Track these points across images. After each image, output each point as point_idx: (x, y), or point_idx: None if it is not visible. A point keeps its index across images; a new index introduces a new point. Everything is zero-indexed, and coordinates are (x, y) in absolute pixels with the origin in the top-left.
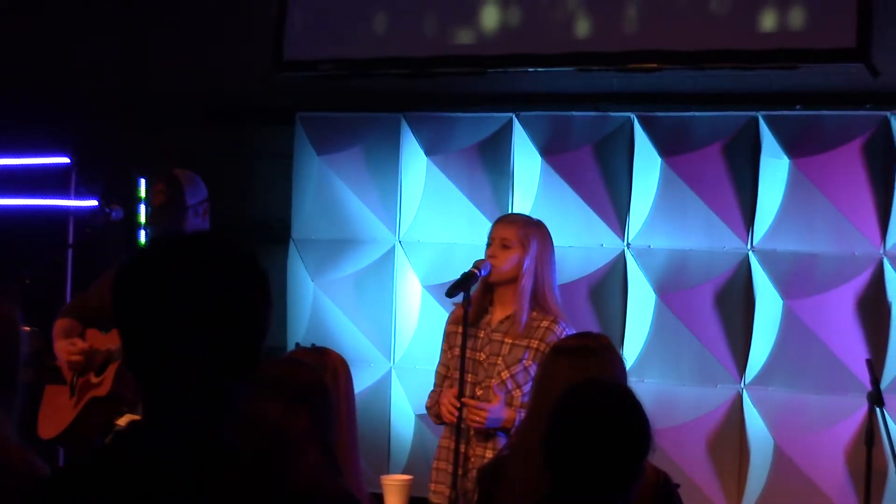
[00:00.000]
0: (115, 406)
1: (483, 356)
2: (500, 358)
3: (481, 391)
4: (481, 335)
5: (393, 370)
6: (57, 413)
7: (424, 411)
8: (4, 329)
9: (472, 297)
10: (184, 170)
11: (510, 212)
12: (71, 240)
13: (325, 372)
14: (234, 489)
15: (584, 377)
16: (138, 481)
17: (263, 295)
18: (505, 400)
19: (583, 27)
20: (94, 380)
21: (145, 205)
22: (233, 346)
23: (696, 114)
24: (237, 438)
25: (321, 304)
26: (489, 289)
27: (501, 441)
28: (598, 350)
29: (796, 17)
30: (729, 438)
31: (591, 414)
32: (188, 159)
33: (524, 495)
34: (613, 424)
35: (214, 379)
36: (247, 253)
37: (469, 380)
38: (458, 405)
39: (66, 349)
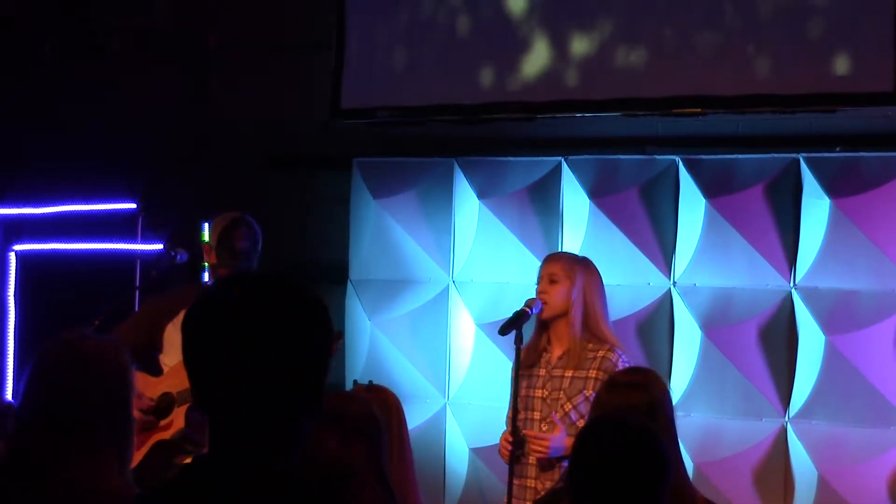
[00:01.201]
0: (181, 448)
1: (546, 392)
2: (562, 392)
3: (546, 426)
4: (542, 373)
5: (447, 406)
6: None
7: (479, 446)
8: (114, 365)
9: (530, 338)
10: (231, 214)
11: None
12: (137, 282)
13: (378, 407)
14: None
15: (624, 412)
16: None
17: (327, 333)
18: (567, 430)
19: (629, 74)
20: (161, 423)
21: (223, 247)
22: (299, 384)
23: (739, 156)
24: (302, 473)
25: (378, 343)
26: (544, 327)
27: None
28: (646, 385)
29: (840, 64)
30: (774, 471)
31: (601, 448)
32: (250, 204)
33: None
34: (623, 458)
35: (281, 415)
36: (311, 292)
37: (536, 417)
38: (511, 440)
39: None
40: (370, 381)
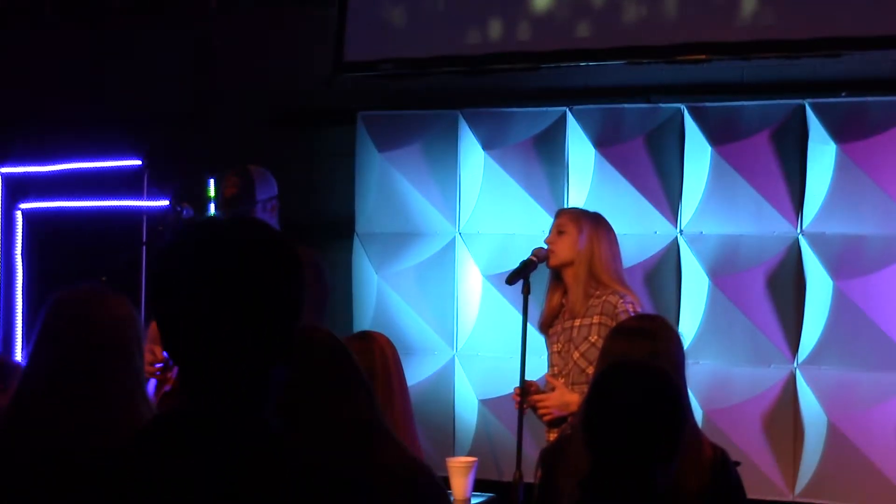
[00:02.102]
0: None
1: (559, 346)
2: (571, 342)
3: (548, 377)
4: (558, 329)
5: (456, 358)
6: None
7: (487, 397)
8: (129, 318)
9: (546, 298)
10: (258, 166)
11: (566, 202)
12: (144, 238)
13: (373, 355)
14: (273, 472)
15: (634, 358)
16: (176, 464)
17: (296, 277)
18: (581, 381)
19: (632, 21)
20: (169, 375)
21: (217, 195)
22: (267, 330)
23: (745, 103)
24: (278, 421)
25: (385, 296)
26: (559, 281)
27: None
28: (655, 331)
29: (843, 8)
30: (783, 417)
31: (620, 395)
32: (254, 160)
33: (580, 473)
34: (642, 405)
35: (250, 362)
36: (277, 236)
37: (555, 372)
38: (520, 393)
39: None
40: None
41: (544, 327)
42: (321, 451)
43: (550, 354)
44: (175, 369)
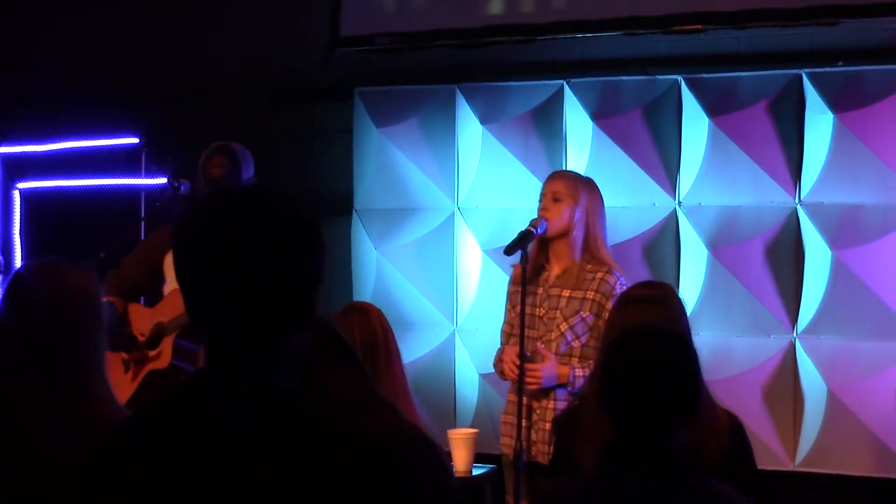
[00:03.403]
0: (175, 377)
1: (542, 311)
2: (559, 311)
3: (543, 345)
4: (540, 291)
5: (456, 332)
6: (116, 388)
7: (488, 371)
8: (86, 292)
9: (528, 255)
10: (238, 143)
11: None
12: (143, 215)
13: (374, 327)
14: (293, 434)
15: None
16: (201, 428)
17: (315, 245)
18: (564, 352)
19: None
20: (151, 353)
21: (202, 176)
22: (288, 296)
23: (742, 74)
24: (299, 386)
25: (385, 271)
26: (545, 246)
27: (560, 393)
28: (662, 299)
29: None
30: (783, 387)
31: (638, 359)
32: (252, 137)
33: (600, 440)
34: (660, 367)
35: (271, 328)
36: (296, 205)
37: (532, 335)
38: (519, 363)
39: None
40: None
41: (517, 281)
42: (342, 415)
43: (522, 314)
44: (159, 348)
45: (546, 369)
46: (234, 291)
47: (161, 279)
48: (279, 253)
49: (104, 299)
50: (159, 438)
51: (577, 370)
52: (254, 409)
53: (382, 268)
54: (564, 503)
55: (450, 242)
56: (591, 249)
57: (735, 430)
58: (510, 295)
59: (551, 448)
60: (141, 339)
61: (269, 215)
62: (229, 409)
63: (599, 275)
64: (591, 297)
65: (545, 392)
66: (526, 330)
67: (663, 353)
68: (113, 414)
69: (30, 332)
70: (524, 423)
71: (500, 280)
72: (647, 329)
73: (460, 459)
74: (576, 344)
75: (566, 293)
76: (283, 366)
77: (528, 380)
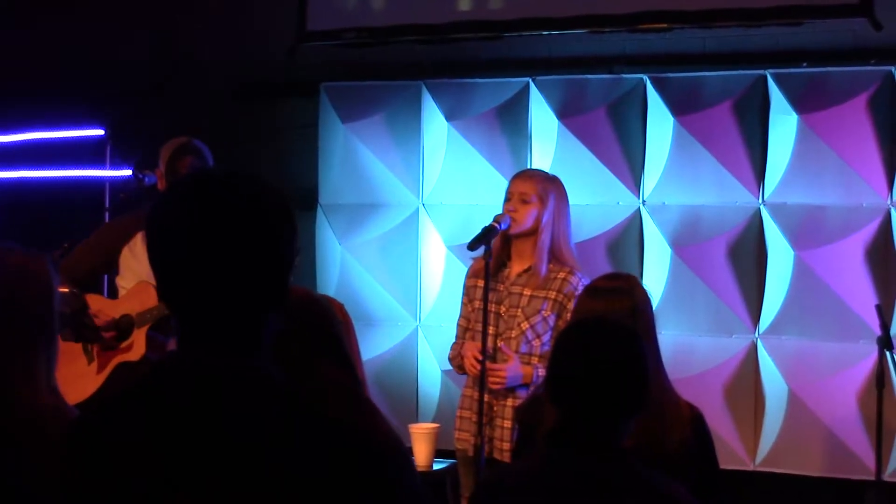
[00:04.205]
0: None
1: (503, 309)
2: (520, 309)
3: (502, 342)
4: (500, 288)
5: (419, 328)
6: (78, 379)
7: (450, 368)
8: (38, 278)
9: (491, 250)
10: (199, 141)
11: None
12: (107, 205)
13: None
14: (267, 416)
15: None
16: (173, 411)
17: (290, 227)
18: (525, 352)
19: None
20: (122, 345)
21: (170, 174)
22: (261, 278)
23: (707, 73)
24: (272, 368)
25: (349, 267)
26: (507, 243)
27: (521, 392)
28: (628, 290)
29: None
30: (744, 386)
31: (583, 349)
32: (217, 131)
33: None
34: (605, 359)
35: (245, 310)
36: (269, 186)
37: (491, 332)
38: (481, 358)
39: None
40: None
41: (476, 275)
42: (319, 400)
43: (485, 310)
44: (130, 340)
45: (510, 369)
46: (208, 273)
47: (115, 270)
48: (253, 234)
49: (63, 290)
50: (130, 422)
51: (539, 370)
52: (229, 391)
53: (346, 263)
54: (504, 488)
55: (414, 238)
56: (555, 251)
57: (697, 421)
58: (467, 289)
59: (511, 444)
60: (108, 319)
61: (243, 197)
62: (204, 391)
63: (562, 275)
64: (553, 296)
65: (506, 390)
66: (482, 325)
67: (608, 347)
68: (36, 408)
69: None
70: (484, 419)
71: (464, 276)
72: (594, 322)
73: (421, 454)
74: (535, 343)
75: (528, 292)
76: (259, 349)
77: (491, 380)
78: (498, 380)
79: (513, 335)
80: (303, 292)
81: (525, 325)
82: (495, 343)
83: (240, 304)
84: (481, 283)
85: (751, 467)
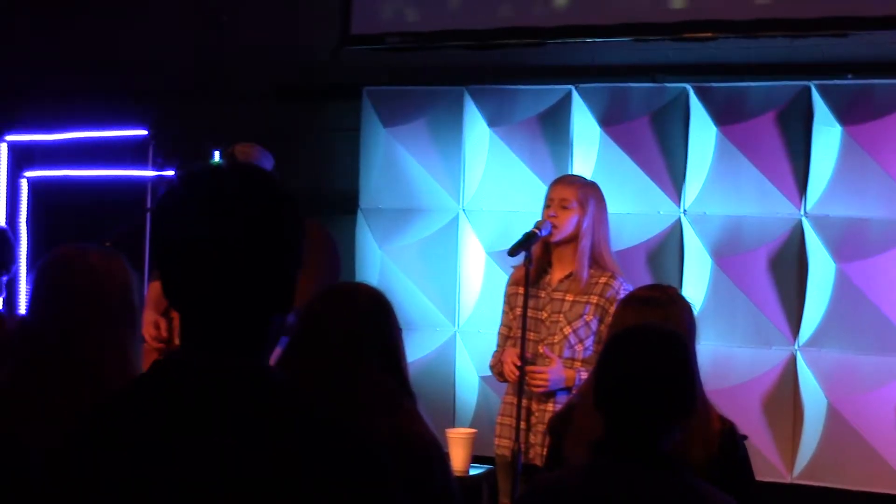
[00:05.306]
0: None
1: (545, 314)
2: (562, 315)
3: (544, 348)
4: (542, 295)
5: (457, 334)
6: None
7: (488, 373)
8: (118, 273)
9: (532, 257)
10: (247, 147)
11: None
12: (148, 205)
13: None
14: (265, 418)
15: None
16: (174, 410)
17: (297, 228)
18: (567, 356)
19: None
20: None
21: None
22: (267, 279)
23: (750, 84)
24: (274, 369)
25: (388, 271)
26: (548, 249)
27: (562, 396)
28: (666, 301)
29: None
30: (783, 398)
31: (631, 357)
32: (260, 133)
33: (589, 438)
34: (654, 367)
35: (251, 310)
36: (278, 185)
37: (532, 338)
38: (520, 364)
39: (149, 332)
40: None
41: (517, 282)
42: (336, 404)
43: (524, 316)
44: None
45: (553, 371)
46: (212, 273)
47: None
48: (260, 234)
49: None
50: (129, 422)
51: (582, 373)
52: (227, 391)
53: (386, 267)
54: (550, 496)
55: (454, 244)
56: (596, 256)
57: (728, 437)
58: (508, 297)
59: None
60: (164, 334)
61: (252, 193)
62: (201, 391)
63: (603, 279)
64: (595, 301)
65: (545, 395)
66: (526, 332)
67: (658, 353)
68: None
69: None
70: (522, 425)
71: (503, 283)
72: (643, 329)
73: (458, 459)
74: (578, 347)
75: (570, 297)
76: (264, 351)
77: (534, 382)
78: (540, 382)
79: (555, 340)
80: (373, 292)
81: (567, 330)
82: (537, 349)
83: (244, 306)
84: (522, 290)
85: (788, 480)
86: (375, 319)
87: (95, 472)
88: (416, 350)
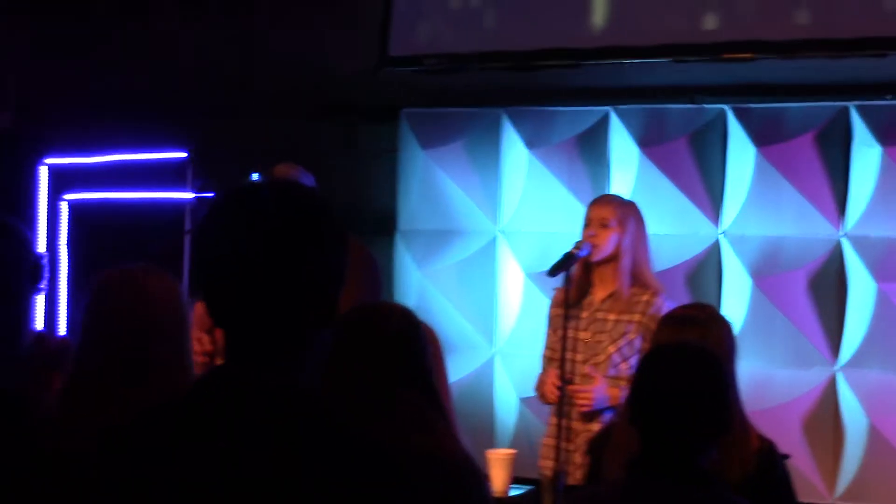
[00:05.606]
0: None
1: (588, 335)
2: (606, 334)
3: (588, 368)
4: (584, 315)
5: (496, 355)
6: None
7: (528, 394)
8: (173, 292)
9: (572, 277)
10: (287, 167)
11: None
12: (188, 227)
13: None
14: (310, 435)
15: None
16: (212, 427)
17: (341, 243)
18: (612, 375)
19: (677, 19)
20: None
21: None
22: (309, 295)
23: (789, 105)
24: (319, 385)
25: (427, 293)
26: (588, 269)
27: (607, 416)
28: (704, 320)
29: (890, 5)
30: (824, 420)
31: (665, 374)
32: (298, 154)
33: (626, 457)
34: (686, 383)
35: (293, 326)
36: (321, 200)
37: (578, 359)
38: (560, 384)
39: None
40: None
41: (560, 304)
42: (369, 422)
43: (564, 337)
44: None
45: (597, 390)
46: (255, 288)
47: None
48: (303, 249)
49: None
50: (163, 433)
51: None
52: (272, 408)
53: (424, 289)
54: None
55: (492, 265)
56: (637, 274)
57: (766, 456)
58: (551, 318)
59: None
60: (210, 347)
61: (295, 209)
62: (245, 408)
63: (645, 297)
64: (638, 319)
65: (590, 415)
66: (569, 353)
67: (690, 370)
68: None
69: (128, 334)
70: (569, 446)
71: (542, 304)
72: (677, 346)
73: (498, 479)
74: (623, 366)
75: (613, 316)
76: (305, 367)
77: (579, 401)
78: (584, 401)
79: (600, 360)
80: (404, 311)
81: (612, 349)
82: (582, 369)
83: (286, 321)
84: (569, 310)
85: (829, 501)
86: (406, 339)
87: (133, 481)
88: (455, 372)
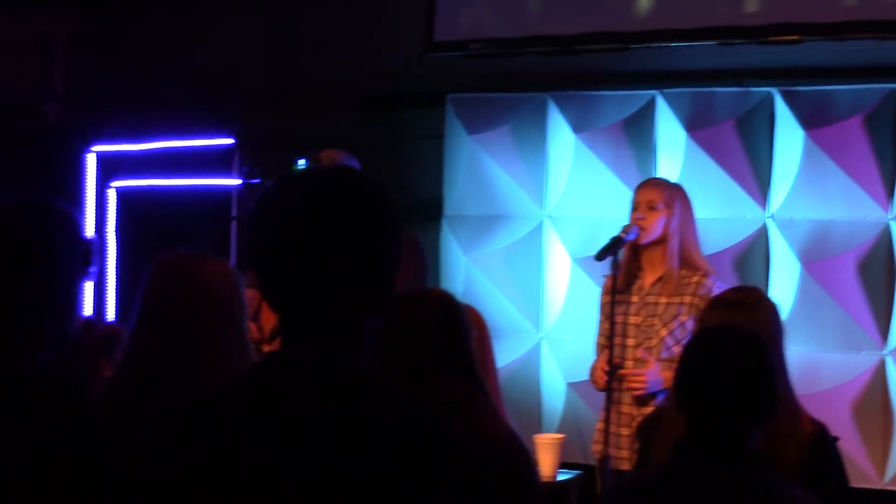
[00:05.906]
0: None
1: (640, 319)
2: (657, 318)
3: (642, 351)
4: (635, 300)
5: (543, 340)
6: None
7: (574, 380)
8: (225, 274)
9: (620, 263)
10: (333, 153)
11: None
12: (234, 214)
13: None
14: (368, 416)
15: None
16: (273, 409)
17: (396, 229)
18: (666, 357)
19: (723, 1)
20: (266, 348)
21: None
22: (365, 279)
23: (837, 87)
24: (374, 369)
25: (473, 278)
26: (637, 253)
27: (660, 399)
28: (751, 304)
29: None
30: (873, 403)
31: (710, 357)
32: (344, 141)
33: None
34: (732, 364)
35: (348, 311)
36: (376, 185)
37: (630, 343)
38: (608, 369)
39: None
40: None
41: (610, 291)
42: (422, 405)
43: (622, 325)
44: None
45: (650, 373)
46: (312, 271)
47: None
48: (359, 234)
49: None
50: (229, 419)
51: None
52: (328, 392)
53: (471, 274)
54: (632, 492)
55: (538, 250)
56: (685, 256)
57: (819, 439)
58: (602, 306)
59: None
60: (257, 335)
61: (351, 196)
62: (306, 391)
63: (695, 279)
64: (689, 301)
65: (644, 399)
66: (621, 338)
67: (735, 352)
68: None
69: (183, 318)
70: (624, 430)
71: (589, 289)
72: (722, 329)
73: (546, 464)
74: (676, 349)
75: (664, 300)
76: (360, 350)
77: (633, 385)
78: (638, 384)
79: (653, 344)
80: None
81: (664, 333)
82: (635, 353)
83: (342, 305)
84: (618, 297)
85: (879, 485)
86: (447, 325)
87: (191, 462)
88: (502, 357)
